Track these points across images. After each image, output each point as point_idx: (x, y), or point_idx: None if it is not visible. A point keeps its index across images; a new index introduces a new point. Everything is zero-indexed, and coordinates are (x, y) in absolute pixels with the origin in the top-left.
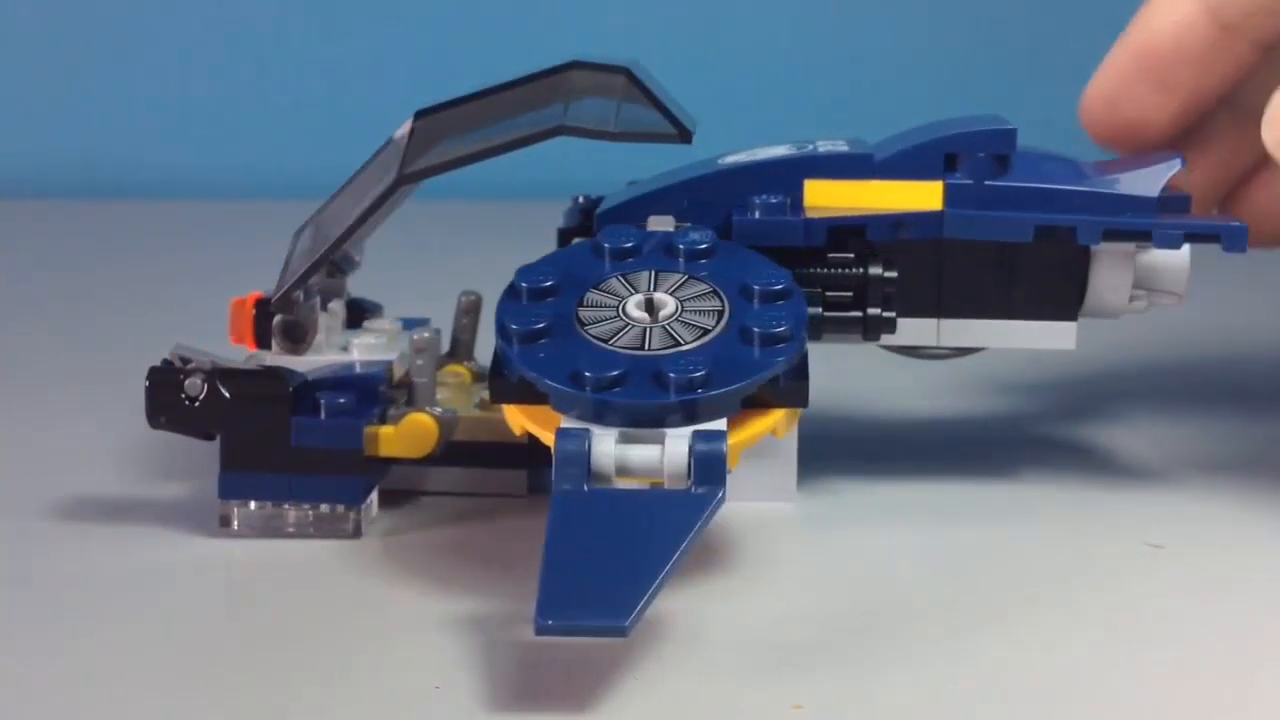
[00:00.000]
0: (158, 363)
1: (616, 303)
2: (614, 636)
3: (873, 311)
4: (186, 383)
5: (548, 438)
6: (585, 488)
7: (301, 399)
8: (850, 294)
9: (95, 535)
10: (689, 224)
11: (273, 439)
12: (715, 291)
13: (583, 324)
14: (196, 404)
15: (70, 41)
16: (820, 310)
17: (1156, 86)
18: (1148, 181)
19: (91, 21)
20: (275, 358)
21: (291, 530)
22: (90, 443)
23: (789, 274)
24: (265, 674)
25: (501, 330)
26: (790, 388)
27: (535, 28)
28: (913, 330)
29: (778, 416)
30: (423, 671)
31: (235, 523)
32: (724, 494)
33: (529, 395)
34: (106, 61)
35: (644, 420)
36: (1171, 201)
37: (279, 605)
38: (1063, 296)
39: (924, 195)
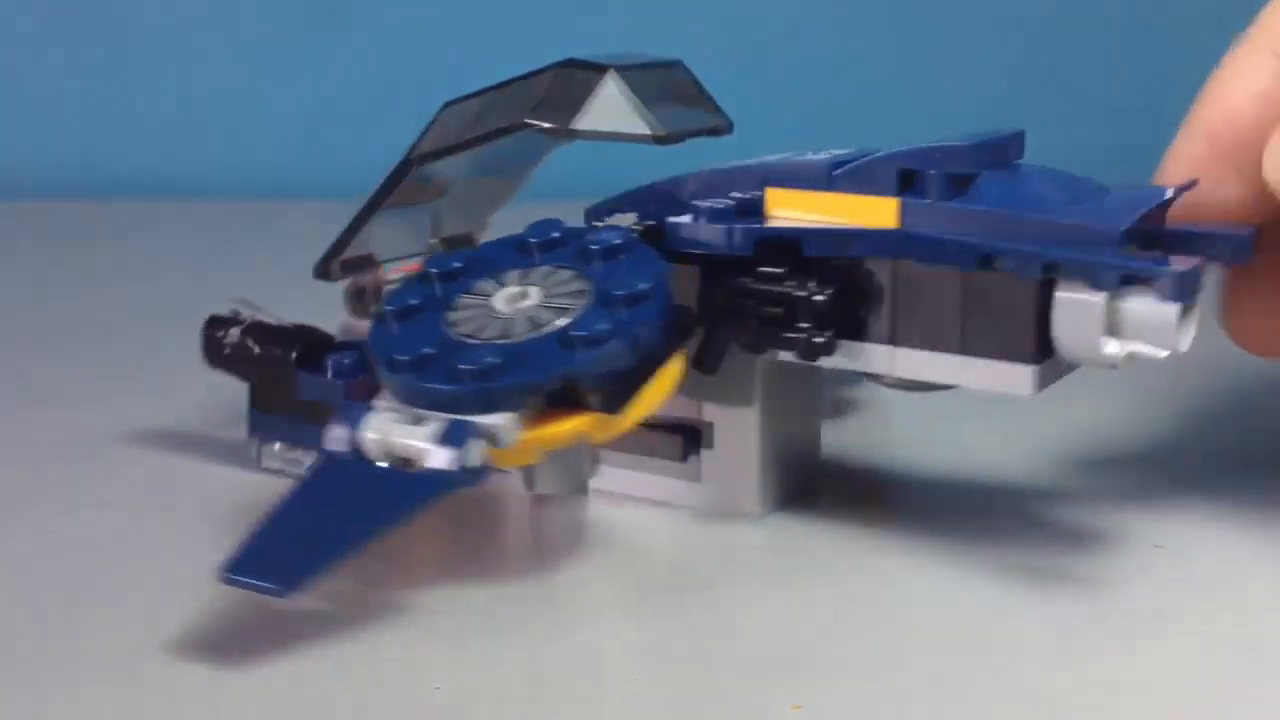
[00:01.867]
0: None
1: (484, 301)
2: (275, 596)
3: (802, 331)
4: (226, 333)
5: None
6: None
7: (312, 358)
8: (782, 311)
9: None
10: (617, 224)
11: (287, 390)
12: (584, 292)
13: (452, 325)
14: (229, 352)
15: (69, 42)
16: (756, 324)
17: (1242, 177)
18: (1123, 212)
19: (91, 22)
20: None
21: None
22: (90, 440)
23: (658, 279)
24: (265, 673)
25: (386, 362)
26: (601, 393)
27: (538, 28)
28: (866, 356)
29: (584, 421)
30: (423, 672)
31: (261, 459)
32: (456, 478)
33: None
34: (105, 63)
35: (441, 406)
36: (1145, 234)
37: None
38: (1017, 335)
39: (879, 212)
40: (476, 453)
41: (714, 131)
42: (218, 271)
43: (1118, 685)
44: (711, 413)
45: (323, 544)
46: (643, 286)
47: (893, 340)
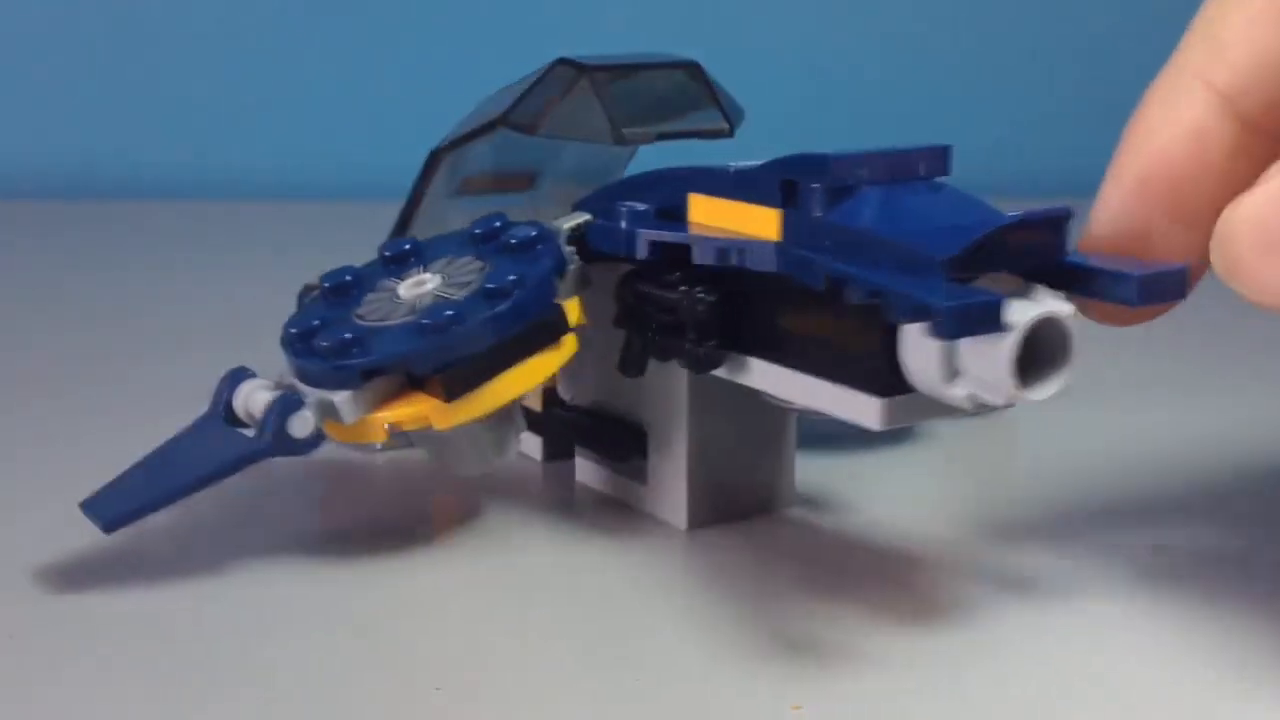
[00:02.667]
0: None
1: (390, 293)
2: (103, 532)
3: (690, 341)
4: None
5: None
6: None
7: None
8: (673, 318)
9: None
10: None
11: None
12: (472, 284)
13: (371, 291)
14: None
15: (69, 43)
16: (650, 331)
17: (1172, 216)
18: (956, 237)
19: (90, 23)
20: None
21: None
22: (90, 440)
23: (527, 276)
24: (265, 675)
25: (317, 351)
26: (443, 381)
27: (539, 28)
28: (749, 372)
29: (425, 406)
30: (423, 673)
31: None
32: (279, 446)
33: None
34: (105, 63)
35: (304, 379)
36: (1040, 267)
37: (278, 601)
38: (867, 364)
39: (765, 222)
40: (300, 425)
41: (710, 134)
42: (218, 273)
43: (1115, 685)
44: (648, 417)
45: (152, 491)
46: (510, 279)
47: (773, 357)
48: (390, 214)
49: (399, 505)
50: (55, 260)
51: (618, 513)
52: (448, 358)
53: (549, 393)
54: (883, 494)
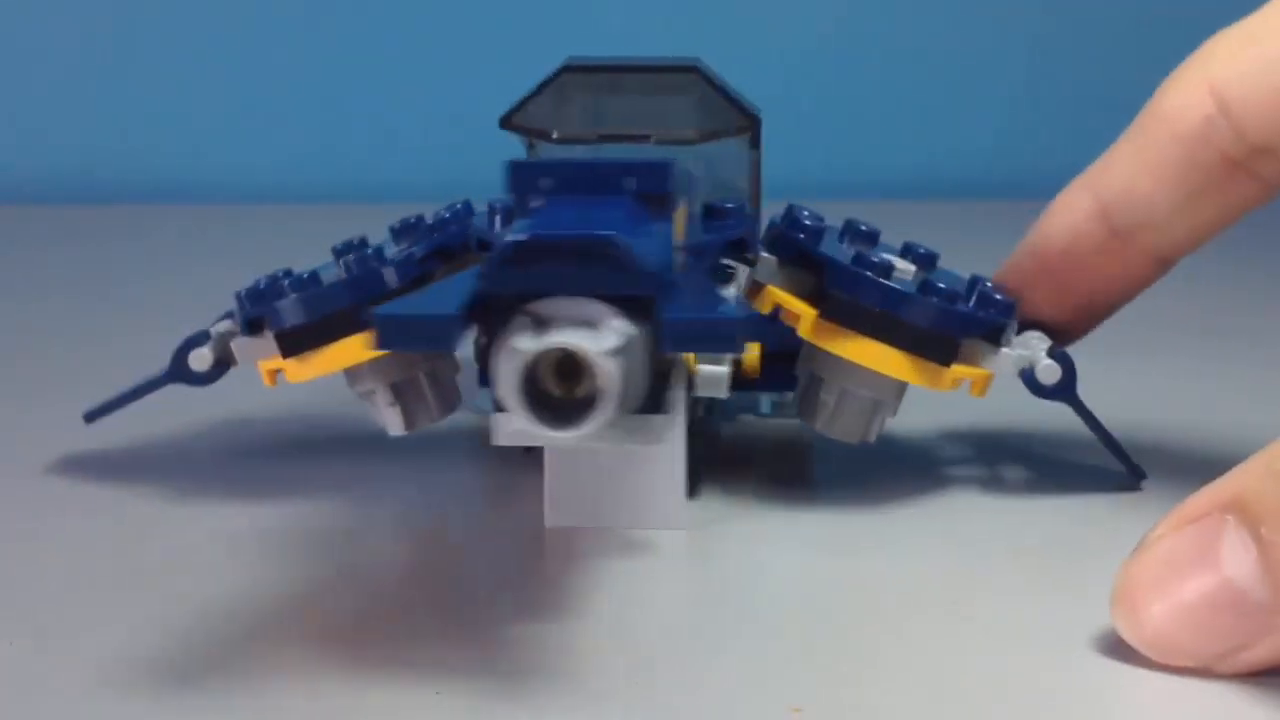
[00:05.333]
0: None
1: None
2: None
3: None
4: None
5: None
6: None
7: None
8: None
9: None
10: None
11: None
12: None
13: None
14: None
15: (68, 44)
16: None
17: (1055, 290)
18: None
19: (90, 24)
20: None
21: None
22: (88, 442)
23: (378, 252)
24: (265, 675)
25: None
26: (285, 340)
27: (536, 28)
28: None
29: (278, 360)
30: (423, 677)
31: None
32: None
33: None
34: (105, 64)
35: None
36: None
37: (278, 603)
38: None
39: None
40: (198, 361)
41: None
42: (219, 274)
43: (1121, 685)
44: None
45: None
46: (368, 253)
47: None
48: (390, 216)
49: (399, 505)
50: (53, 263)
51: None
52: (286, 320)
53: None
54: (885, 495)
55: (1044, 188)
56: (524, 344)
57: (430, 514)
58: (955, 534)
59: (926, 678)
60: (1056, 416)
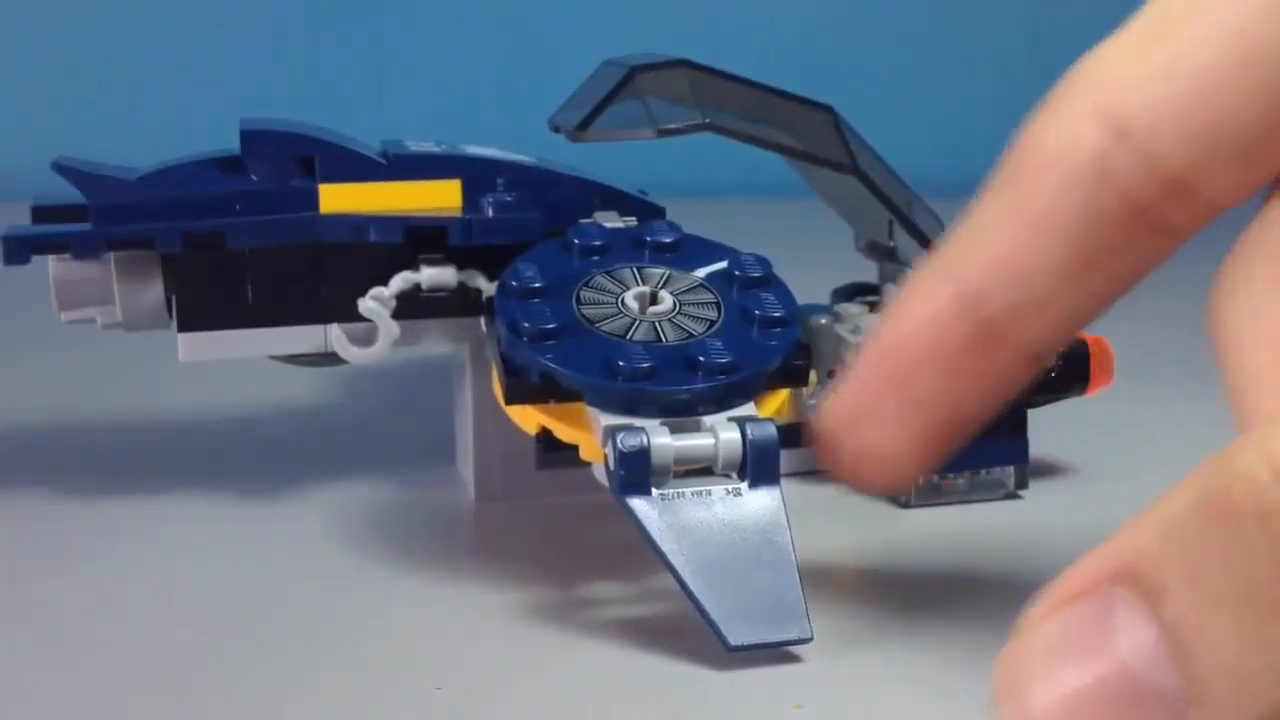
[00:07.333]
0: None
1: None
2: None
3: None
4: None
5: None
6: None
7: None
8: None
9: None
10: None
11: None
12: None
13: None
14: None
15: (67, 44)
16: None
17: (906, 408)
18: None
19: (89, 24)
20: None
21: None
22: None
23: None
24: (262, 677)
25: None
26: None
27: (538, 29)
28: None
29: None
30: (425, 673)
31: None
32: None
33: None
34: (104, 64)
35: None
36: None
37: (282, 604)
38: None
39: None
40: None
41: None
42: None
43: None
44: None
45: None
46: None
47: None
48: None
49: (399, 503)
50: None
51: (616, 514)
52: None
53: None
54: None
55: None
56: None
57: (429, 513)
58: (953, 533)
59: (928, 676)
60: None
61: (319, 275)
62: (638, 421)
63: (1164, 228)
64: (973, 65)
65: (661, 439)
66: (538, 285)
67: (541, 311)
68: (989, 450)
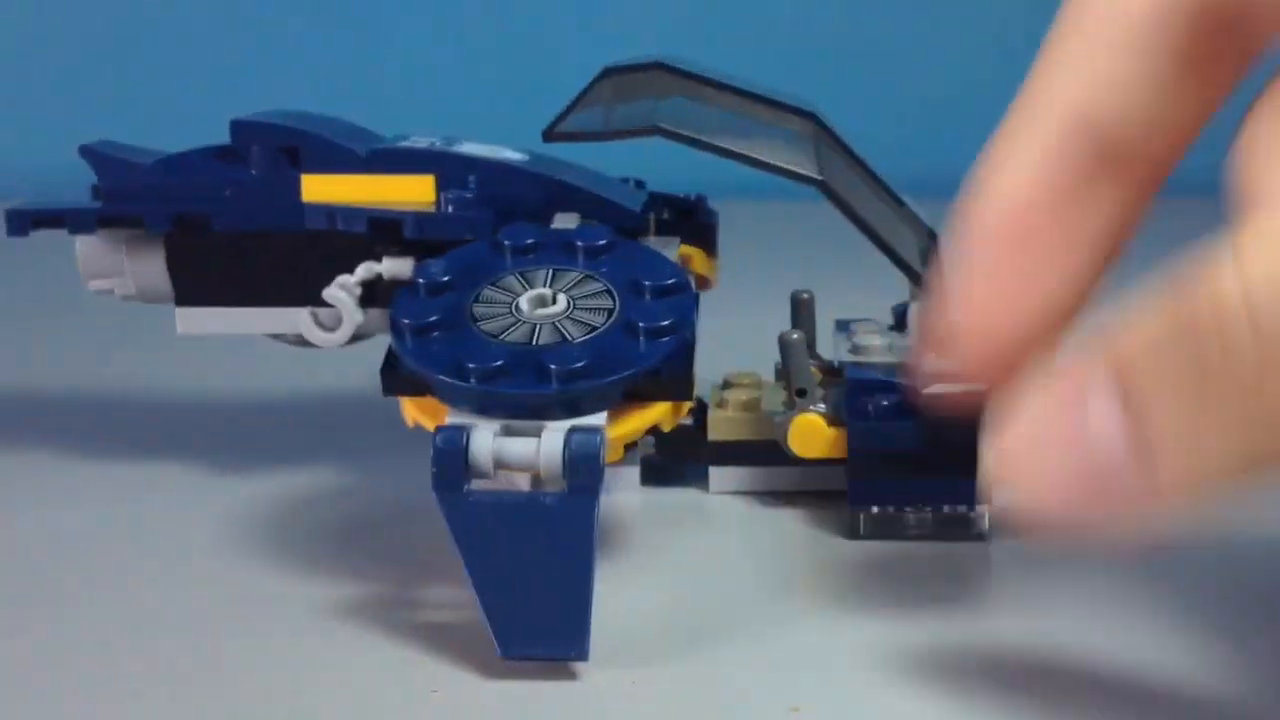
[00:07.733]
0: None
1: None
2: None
3: None
4: None
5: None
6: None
7: None
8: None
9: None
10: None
11: None
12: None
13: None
14: None
15: (67, 44)
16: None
17: (1019, 275)
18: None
19: (89, 24)
20: None
21: None
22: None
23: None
24: (264, 676)
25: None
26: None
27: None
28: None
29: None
30: (420, 676)
31: None
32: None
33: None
34: (103, 65)
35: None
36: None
37: (281, 605)
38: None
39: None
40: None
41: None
42: None
43: (1126, 685)
44: None
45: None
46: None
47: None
48: None
49: (398, 503)
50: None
51: (614, 514)
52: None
53: None
54: None
55: None
56: None
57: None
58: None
59: (928, 676)
60: None
61: (299, 260)
62: (481, 421)
63: (1241, 41)
64: (973, 65)
65: (482, 439)
66: (443, 280)
67: (425, 306)
68: (962, 486)
